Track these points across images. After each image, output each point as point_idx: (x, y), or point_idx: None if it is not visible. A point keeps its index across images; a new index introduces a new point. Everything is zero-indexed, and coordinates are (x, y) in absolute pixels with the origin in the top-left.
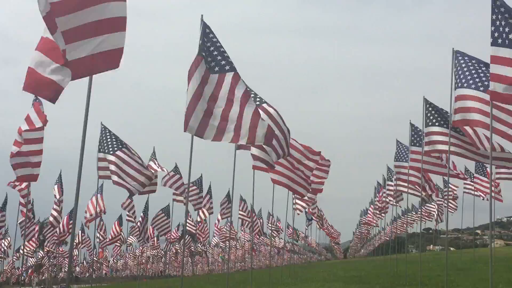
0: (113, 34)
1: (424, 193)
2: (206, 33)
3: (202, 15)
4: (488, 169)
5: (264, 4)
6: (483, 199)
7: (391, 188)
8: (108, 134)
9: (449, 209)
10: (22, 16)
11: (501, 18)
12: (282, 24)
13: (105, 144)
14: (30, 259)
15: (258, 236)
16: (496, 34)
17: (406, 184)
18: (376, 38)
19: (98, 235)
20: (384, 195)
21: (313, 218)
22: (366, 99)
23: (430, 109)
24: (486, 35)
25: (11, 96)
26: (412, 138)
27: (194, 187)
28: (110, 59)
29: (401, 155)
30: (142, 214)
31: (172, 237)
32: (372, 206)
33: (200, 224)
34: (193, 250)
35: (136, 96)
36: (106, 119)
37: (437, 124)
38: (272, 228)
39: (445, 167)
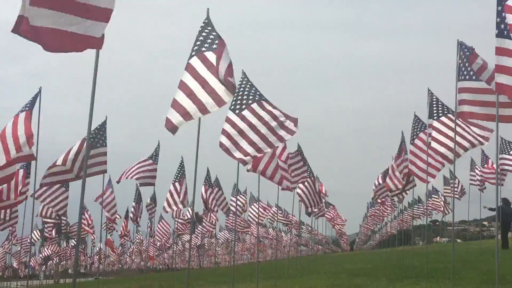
0: (97, 23)
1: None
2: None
3: (208, 9)
4: (493, 161)
5: None
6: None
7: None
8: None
9: (458, 195)
10: None
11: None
12: (286, 19)
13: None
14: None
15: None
16: (502, 26)
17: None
18: (380, 32)
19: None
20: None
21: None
22: (370, 92)
23: (434, 101)
24: (491, 27)
25: (19, 93)
26: (415, 130)
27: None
28: (87, 43)
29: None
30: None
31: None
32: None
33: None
34: (199, 243)
35: (140, 91)
36: (112, 114)
37: (435, 117)
38: (280, 221)
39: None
